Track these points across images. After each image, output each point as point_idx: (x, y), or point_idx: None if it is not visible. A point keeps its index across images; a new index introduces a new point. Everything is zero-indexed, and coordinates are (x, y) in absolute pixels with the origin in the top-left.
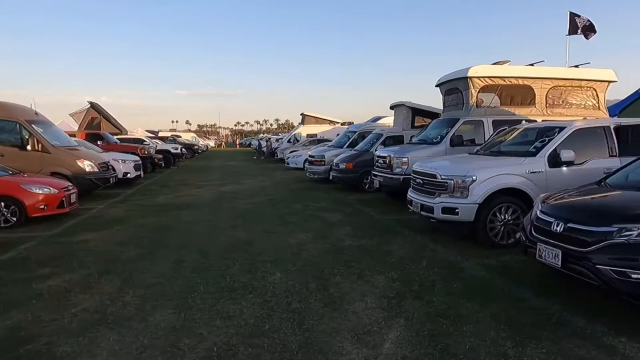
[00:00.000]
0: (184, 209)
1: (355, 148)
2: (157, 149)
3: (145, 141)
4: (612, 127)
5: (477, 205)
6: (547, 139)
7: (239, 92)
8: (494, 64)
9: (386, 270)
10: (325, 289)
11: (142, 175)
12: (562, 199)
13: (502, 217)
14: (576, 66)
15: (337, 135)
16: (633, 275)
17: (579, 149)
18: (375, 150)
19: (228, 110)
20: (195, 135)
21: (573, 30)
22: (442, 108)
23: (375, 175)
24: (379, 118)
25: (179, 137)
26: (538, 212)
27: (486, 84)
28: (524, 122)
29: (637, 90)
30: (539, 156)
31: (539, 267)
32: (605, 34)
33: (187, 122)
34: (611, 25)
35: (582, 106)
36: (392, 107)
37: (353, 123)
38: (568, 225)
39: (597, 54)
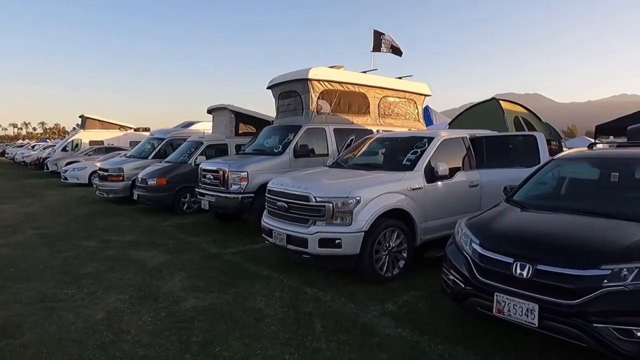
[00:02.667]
0: None
1: (167, 159)
2: None
3: None
4: (468, 137)
5: (364, 233)
6: (419, 150)
7: None
8: (330, 67)
9: (276, 352)
10: None
11: None
12: (501, 227)
13: (387, 245)
14: (399, 78)
15: (131, 143)
16: (638, 334)
17: (447, 162)
18: (195, 162)
19: None
20: None
21: (377, 47)
22: (265, 113)
23: (202, 194)
24: (191, 123)
25: None
26: (477, 247)
27: (326, 88)
28: (379, 130)
29: (425, 107)
30: (416, 170)
31: (447, 308)
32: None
33: None
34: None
35: (406, 117)
36: (210, 111)
37: (150, 129)
38: (538, 267)
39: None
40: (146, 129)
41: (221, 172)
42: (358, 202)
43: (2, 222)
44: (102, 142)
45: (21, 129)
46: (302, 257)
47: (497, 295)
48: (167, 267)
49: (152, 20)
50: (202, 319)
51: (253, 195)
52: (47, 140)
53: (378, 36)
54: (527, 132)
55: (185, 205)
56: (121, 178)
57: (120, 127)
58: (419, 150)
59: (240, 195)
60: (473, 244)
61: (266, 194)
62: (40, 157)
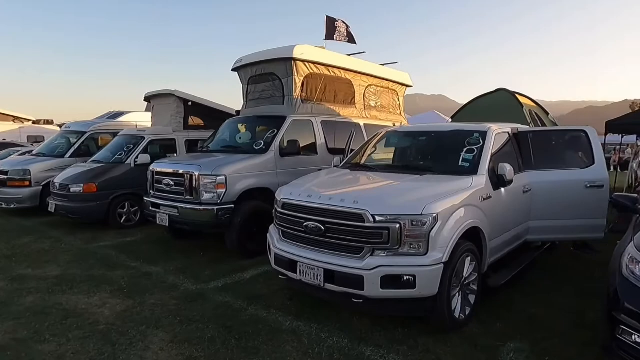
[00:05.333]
0: None
1: (95, 158)
2: None
3: None
4: (512, 133)
5: (443, 265)
6: (474, 148)
7: None
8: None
9: None
10: None
11: None
12: None
13: (461, 276)
14: (383, 64)
15: (29, 137)
16: None
17: (503, 162)
18: (135, 161)
19: None
20: None
21: (330, 35)
22: (219, 103)
23: (157, 205)
24: (120, 114)
25: None
26: None
27: (312, 71)
28: (395, 124)
29: None
30: (480, 174)
31: None
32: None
33: None
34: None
35: (390, 110)
36: (148, 99)
37: (53, 121)
38: None
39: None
40: (49, 122)
41: (187, 176)
42: (435, 220)
43: None
44: None
45: None
46: (351, 302)
47: None
48: (132, 323)
49: None
50: None
51: (232, 206)
52: None
53: (331, 23)
54: (576, 127)
55: (124, 218)
56: (27, 183)
57: (15, 118)
58: (474, 148)
59: (215, 207)
60: None
61: (279, 209)
62: None
